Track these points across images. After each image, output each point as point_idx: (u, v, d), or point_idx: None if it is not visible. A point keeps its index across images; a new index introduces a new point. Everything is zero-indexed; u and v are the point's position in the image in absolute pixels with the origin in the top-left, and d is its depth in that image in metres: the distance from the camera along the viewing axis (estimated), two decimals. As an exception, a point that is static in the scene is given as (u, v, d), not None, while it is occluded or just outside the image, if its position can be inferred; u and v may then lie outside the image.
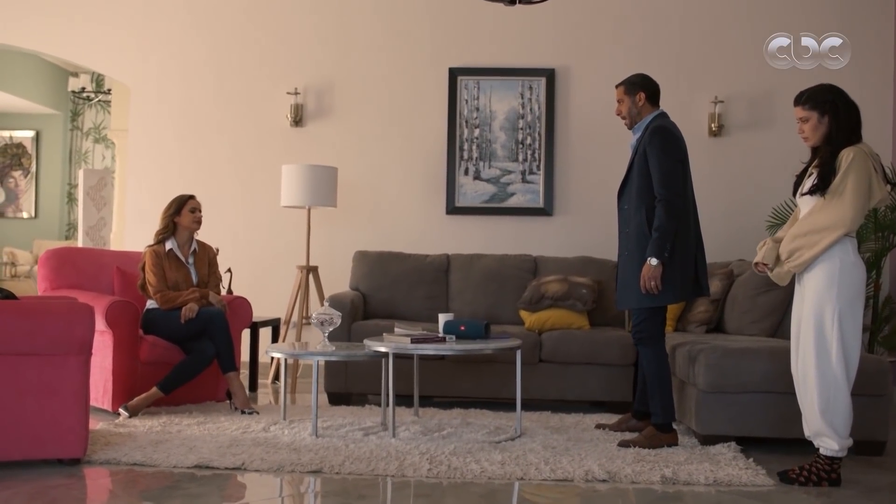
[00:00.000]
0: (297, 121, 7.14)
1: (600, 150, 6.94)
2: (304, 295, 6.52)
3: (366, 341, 4.81)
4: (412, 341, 4.57)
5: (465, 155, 7.08)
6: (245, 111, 7.23)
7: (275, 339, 6.75)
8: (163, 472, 3.86)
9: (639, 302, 4.53)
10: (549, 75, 7.02)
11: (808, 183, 3.85)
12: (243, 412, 5.13)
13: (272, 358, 6.56)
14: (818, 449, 3.81)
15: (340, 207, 6.83)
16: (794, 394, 3.96)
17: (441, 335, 4.73)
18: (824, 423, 3.74)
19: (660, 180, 4.46)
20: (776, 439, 4.51)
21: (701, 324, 5.71)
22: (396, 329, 4.90)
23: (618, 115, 4.80)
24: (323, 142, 7.17)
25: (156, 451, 4.11)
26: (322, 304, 5.71)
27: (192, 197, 5.56)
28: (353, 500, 3.51)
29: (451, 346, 4.59)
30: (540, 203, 7.02)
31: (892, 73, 6.92)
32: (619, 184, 4.74)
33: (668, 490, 3.73)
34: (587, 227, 6.92)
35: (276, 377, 6.69)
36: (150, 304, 5.44)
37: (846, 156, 3.69)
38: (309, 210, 6.56)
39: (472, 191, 7.08)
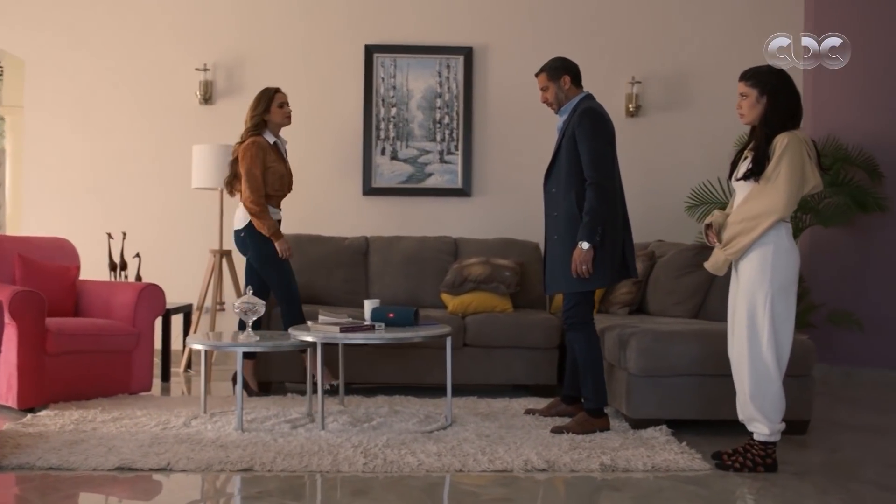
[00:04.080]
0: (207, 98, 6.84)
1: (519, 129, 6.88)
2: (218, 280, 6.29)
3: (291, 331, 4.64)
4: (341, 330, 4.43)
5: (382, 134, 6.93)
6: (151, 88, 6.88)
7: (186, 325, 6.49)
8: (82, 475, 3.63)
9: (568, 286, 4.48)
10: (467, 54, 6.91)
11: (742, 168, 3.85)
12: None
13: (184, 345, 6.32)
14: (752, 434, 3.85)
15: (254, 189, 6.58)
16: (722, 376, 4.04)
17: (370, 323, 4.60)
18: (755, 408, 3.78)
19: (590, 163, 4.40)
20: (705, 421, 4.56)
21: (624, 305, 5.74)
22: (321, 317, 4.74)
23: (544, 102, 4.70)
24: (234, 120, 6.79)
25: (72, 452, 3.87)
26: (243, 291, 5.50)
27: (278, 90, 5.31)
28: (289, 500, 3.37)
29: (382, 335, 4.46)
30: (458, 184, 6.92)
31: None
32: (538, 163, 4.69)
33: (607, 478, 3.72)
34: (507, 207, 6.86)
35: (189, 366, 6.44)
36: (242, 219, 5.18)
37: (781, 141, 3.70)
38: (221, 191, 6.30)
39: (389, 171, 6.93)
